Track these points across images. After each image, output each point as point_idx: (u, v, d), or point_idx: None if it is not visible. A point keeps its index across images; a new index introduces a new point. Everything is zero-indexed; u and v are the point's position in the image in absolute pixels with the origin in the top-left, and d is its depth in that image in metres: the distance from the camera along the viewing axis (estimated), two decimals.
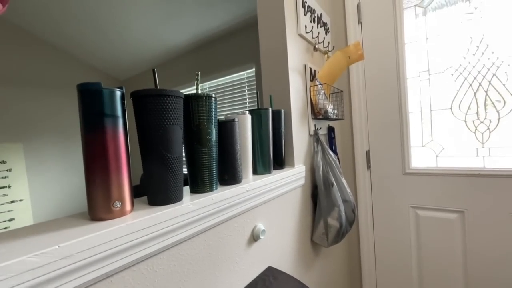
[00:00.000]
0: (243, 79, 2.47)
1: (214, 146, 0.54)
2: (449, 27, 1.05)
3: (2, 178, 2.76)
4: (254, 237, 0.66)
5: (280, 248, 0.79)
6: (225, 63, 2.61)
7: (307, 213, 0.96)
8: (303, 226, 0.93)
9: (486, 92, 1.00)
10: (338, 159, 1.13)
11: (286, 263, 0.81)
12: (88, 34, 2.70)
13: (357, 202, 1.28)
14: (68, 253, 0.31)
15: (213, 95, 0.53)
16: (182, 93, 0.47)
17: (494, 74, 0.98)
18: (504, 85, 0.96)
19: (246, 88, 2.45)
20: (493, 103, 0.99)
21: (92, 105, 0.37)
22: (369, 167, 1.26)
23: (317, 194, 0.96)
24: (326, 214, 0.93)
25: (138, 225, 0.38)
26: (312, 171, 1.00)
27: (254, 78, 2.38)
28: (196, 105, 0.51)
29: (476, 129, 1.03)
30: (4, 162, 2.79)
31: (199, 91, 0.53)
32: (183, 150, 0.51)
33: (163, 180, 0.45)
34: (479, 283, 1.03)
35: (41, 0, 2.27)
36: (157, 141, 0.44)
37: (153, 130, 0.43)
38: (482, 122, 1.01)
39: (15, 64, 2.77)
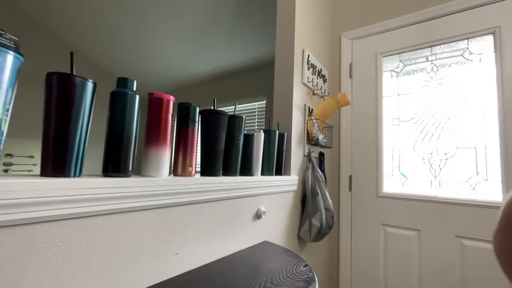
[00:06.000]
0: (254, 109, 2.87)
1: (240, 149, 0.87)
2: (413, 88, 1.43)
3: (28, 171, 3.06)
4: (257, 215, 0.95)
5: (274, 231, 1.07)
6: (240, 93, 3.03)
7: (296, 213, 1.24)
8: (293, 223, 1.21)
9: (438, 139, 1.34)
10: (325, 177, 1.44)
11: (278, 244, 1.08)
12: (126, 53, 3.18)
13: (339, 218, 1.55)
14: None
15: (244, 117, 0.87)
16: (227, 113, 0.81)
17: (443, 127, 1.32)
18: (450, 135, 1.30)
19: (257, 116, 2.84)
20: (442, 148, 1.32)
21: (186, 115, 0.71)
22: (350, 189, 1.56)
23: (305, 200, 1.25)
24: (311, 216, 1.21)
25: (202, 180, 0.69)
26: (303, 182, 1.31)
27: (264, 109, 2.78)
28: (233, 121, 0.85)
29: (431, 166, 1.34)
30: (32, 156, 3.12)
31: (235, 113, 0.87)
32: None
33: (214, 161, 0.77)
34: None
35: (92, 22, 2.78)
36: (214, 140, 0.76)
37: (212, 133, 0.76)
38: (435, 161, 1.33)
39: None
